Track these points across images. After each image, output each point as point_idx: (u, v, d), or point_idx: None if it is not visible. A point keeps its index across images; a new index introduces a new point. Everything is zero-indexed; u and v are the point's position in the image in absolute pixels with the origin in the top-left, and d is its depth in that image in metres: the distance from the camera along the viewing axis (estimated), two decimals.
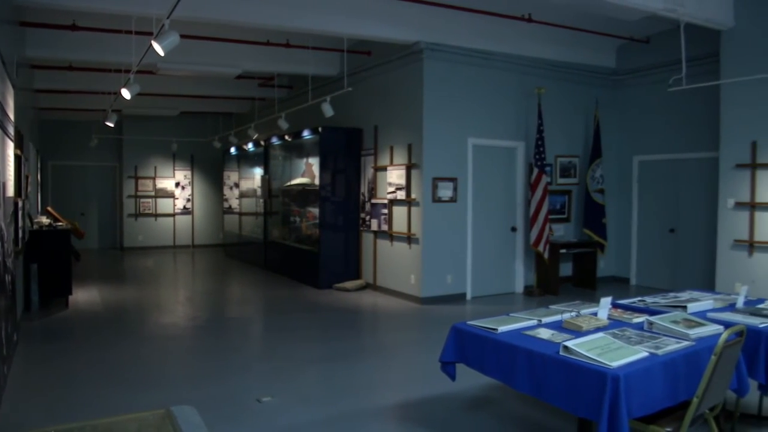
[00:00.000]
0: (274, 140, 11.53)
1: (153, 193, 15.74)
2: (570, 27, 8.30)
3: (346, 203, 9.83)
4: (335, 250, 9.73)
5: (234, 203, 14.58)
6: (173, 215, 15.99)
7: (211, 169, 16.22)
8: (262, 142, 12.08)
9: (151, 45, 5.53)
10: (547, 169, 9.01)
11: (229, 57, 9.45)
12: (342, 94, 8.30)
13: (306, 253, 10.25)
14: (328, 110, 8.27)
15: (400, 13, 7.71)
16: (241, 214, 14.08)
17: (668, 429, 2.86)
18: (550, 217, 9.00)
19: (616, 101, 10.04)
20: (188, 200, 16.17)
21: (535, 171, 8.64)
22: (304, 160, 11.01)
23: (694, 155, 8.85)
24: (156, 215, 15.77)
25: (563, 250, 9.12)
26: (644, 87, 9.58)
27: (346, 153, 9.82)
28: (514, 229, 9.17)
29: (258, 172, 12.92)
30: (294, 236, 11.22)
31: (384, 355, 6.03)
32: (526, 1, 7.52)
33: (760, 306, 4.10)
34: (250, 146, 12.79)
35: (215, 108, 14.65)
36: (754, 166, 7.37)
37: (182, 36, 5.48)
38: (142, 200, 15.59)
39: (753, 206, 7.39)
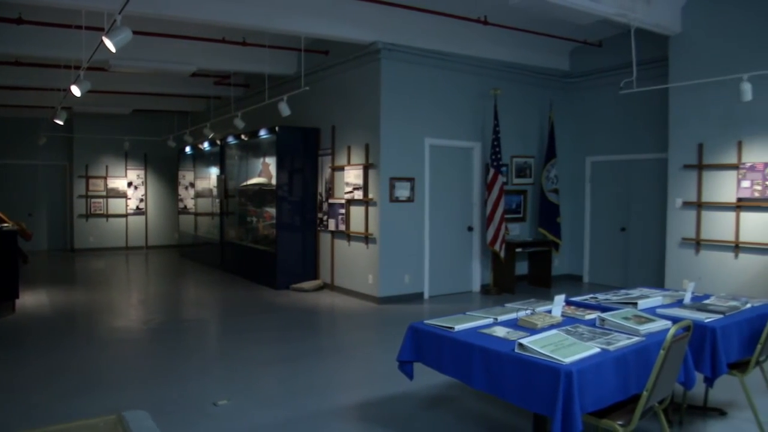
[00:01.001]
0: (231, 139, 11.39)
1: (104, 193, 15.33)
2: (525, 30, 8.44)
3: (303, 203, 9.77)
4: (292, 251, 9.66)
5: (189, 203, 14.33)
6: (126, 216, 15.61)
7: (165, 168, 15.90)
8: (218, 142, 11.91)
9: (102, 41, 5.39)
10: (503, 169, 9.13)
11: (183, 54, 9.28)
12: (299, 93, 8.25)
13: (263, 253, 10.15)
14: (285, 110, 8.20)
15: (357, 12, 7.70)
16: (196, 214, 13.85)
17: (620, 422, 2.93)
18: (506, 216, 9.12)
19: (569, 103, 10.25)
20: (141, 200, 15.82)
21: (491, 171, 8.75)
22: (261, 159, 10.90)
23: (644, 156, 9.10)
24: (108, 216, 15.37)
25: (519, 249, 9.26)
26: (597, 89, 9.81)
27: (304, 153, 9.77)
28: (470, 229, 9.27)
29: (214, 171, 12.73)
30: (251, 236, 11.10)
31: (342, 355, 6.01)
32: (482, 3, 7.61)
33: (706, 302, 4.25)
34: (205, 145, 12.60)
35: (169, 106, 14.36)
36: (700, 167, 7.64)
37: (135, 32, 5.36)
38: (93, 200, 15.17)
39: (699, 206, 7.65)
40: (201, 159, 13.58)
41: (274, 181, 9.83)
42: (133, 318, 7.69)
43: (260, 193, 10.82)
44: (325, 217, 9.59)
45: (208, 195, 13.15)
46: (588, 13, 6.72)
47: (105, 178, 15.32)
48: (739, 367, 3.83)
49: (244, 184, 11.32)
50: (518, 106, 9.59)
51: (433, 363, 3.49)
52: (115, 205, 15.48)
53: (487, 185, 8.81)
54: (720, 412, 4.26)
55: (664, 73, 8.03)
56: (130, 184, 15.67)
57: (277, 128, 9.55)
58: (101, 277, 11.42)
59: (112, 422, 2.11)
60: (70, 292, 9.44)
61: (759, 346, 3.75)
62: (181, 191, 14.78)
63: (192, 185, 14.13)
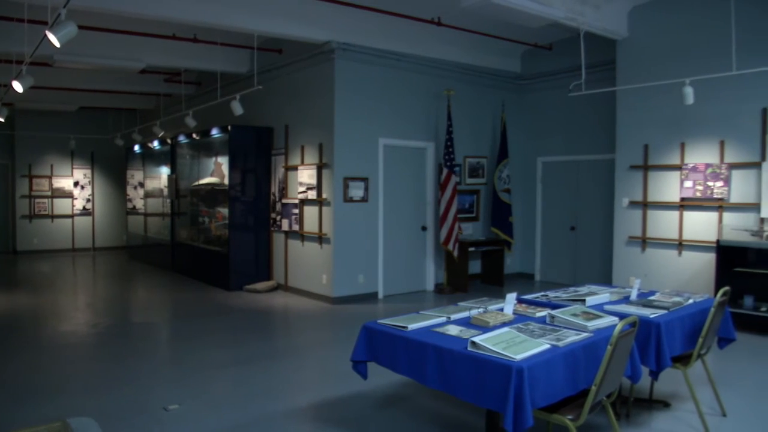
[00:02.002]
0: (182, 138, 11.17)
1: (49, 193, 14.81)
2: (478, 32, 8.54)
3: (256, 203, 9.67)
4: (245, 251, 9.54)
5: (138, 203, 13.98)
6: (72, 216, 15.13)
7: (113, 167, 15.47)
8: (169, 140, 11.66)
9: (45, 35, 5.21)
10: (456, 169, 9.23)
11: (131, 50, 9.06)
12: (252, 92, 8.14)
13: (215, 254, 9.99)
14: (237, 108, 8.09)
15: (311, 11, 7.66)
16: (146, 214, 13.53)
17: (570, 417, 3.00)
18: (459, 216, 9.23)
19: (521, 104, 10.42)
20: (88, 200, 15.36)
21: (445, 171, 8.82)
22: (213, 159, 10.73)
23: (593, 157, 9.33)
24: (53, 216, 14.87)
25: (472, 248, 9.37)
26: (547, 91, 10.01)
27: (257, 152, 9.66)
28: (424, 228, 9.33)
29: (164, 171, 12.46)
30: (203, 237, 10.91)
31: (296, 356, 5.97)
32: (435, 4, 7.67)
33: (651, 298, 4.38)
34: (155, 144, 12.32)
35: (117, 103, 13.98)
36: (646, 168, 7.88)
37: (80, 27, 5.19)
38: (37, 200, 14.64)
39: (645, 205, 7.89)
40: (150, 158, 13.27)
41: (226, 181, 9.68)
42: (81, 322, 7.46)
43: (212, 193, 10.65)
44: (278, 217, 9.50)
45: (159, 195, 12.86)
46: (538, 16, 6.85)
47: (50, 177, 14.81)
48: (682, 360, 3.97)
49: (196, 183, 11.12)
50: (471, 106, 9.71)
51: (387, 362, 3.50)
52: (61, 206, 14.98)
53: (441, 185, 8.89)
54: (664, 404, 4.41)
55: (612, 77, 8.25)
56: (76, 184, 15.20)
57: (229, 127, 9.41)
58: (46, 279, 11.04)
59: (57, 429, 2.04)
60: (13, 296, 9.09)
61: (701, 340, 3.89)
62: (130, 191, 14.41)
63: (141, 185, 13.80)
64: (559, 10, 6.87)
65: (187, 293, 9.35)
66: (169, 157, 11.81)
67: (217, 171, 10.54)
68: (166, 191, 12.14)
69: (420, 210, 9.30)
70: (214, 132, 9.87)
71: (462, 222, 9.48)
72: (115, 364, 5.65)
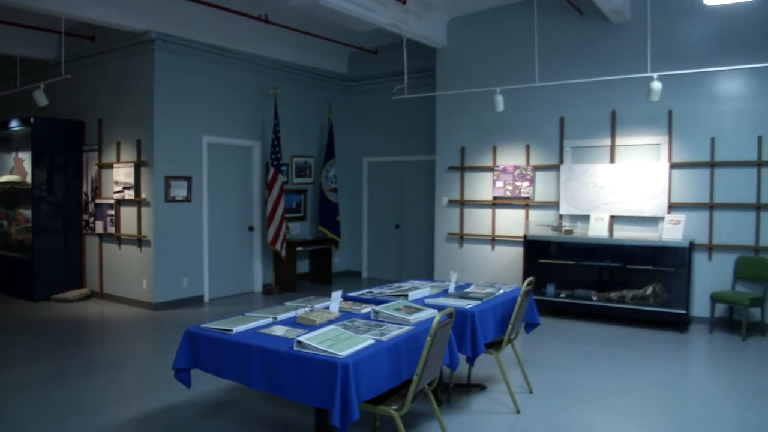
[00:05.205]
0: None
1: None
2: (305, 32, 8.56)
3: (65, 204, 8.84)
4: (53, 257, 8.68)
5: None
6: None
7: None
8: None
9: None
10: (284, 168, 9.18)
11: None
12: (59, 81, 7.41)
13: (16, 261, 8.96)
14: (41, 99, 7.31)
15: None
16: None
17: (394, 407, 3.11)
18: (287, 215, 9.19)
19: (348, 105, 10.63)
20: None
21: (272, 170, 8.74)
22: (13, 154, 9.63)
23: (416, 158, 9.79)
24: None
25: (300, 248, 9.38)
26: (373, 94, 10.31)
27: (65, 148, 8.83)
28: (251, 229, 9.16)
29: None
30: (1, 242, 9.73)
31: (114, 368, 5.54)
32: (263, 1, 7.55)
33: (467, 290, 4.70)
34: None
35: None
36: (462, 169, 8.43)
37: None
38: None
39: (462, 203, 8.44)
40: None
41: (29, 179, 8.74)
42: None
43: (12, 193, 9.54)
44: (91, 219, 8.77)
45: None
46: (364, 21, 7.03)
47: None
48: (495, 345, 4.31)
49: None
50: (298, 106, 9.71)
51: (212, 368, 3.37)
52: None
53: (268, 185, 8.78)
54: (481, 387, 4.75)
55: (433, 83, 8.71)
56: None
57: (32, 119, 8.50)
58: None
59: None
60: None
61: (510, 326, 4.25)
62: None
63: None
64: (384, 17, 7.11)
65: None
66: None
67: (17, 168, 9.48)
68: None
69: (246, 210, 9.11)
70: (14, 124, 8.87)
71: (289, 221, 9.45)
72: None
